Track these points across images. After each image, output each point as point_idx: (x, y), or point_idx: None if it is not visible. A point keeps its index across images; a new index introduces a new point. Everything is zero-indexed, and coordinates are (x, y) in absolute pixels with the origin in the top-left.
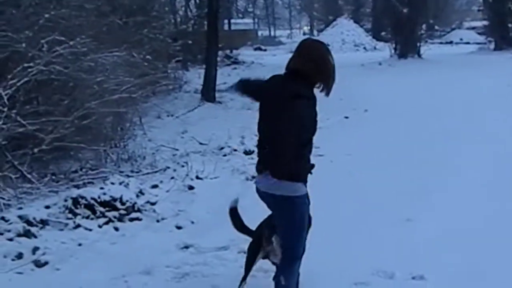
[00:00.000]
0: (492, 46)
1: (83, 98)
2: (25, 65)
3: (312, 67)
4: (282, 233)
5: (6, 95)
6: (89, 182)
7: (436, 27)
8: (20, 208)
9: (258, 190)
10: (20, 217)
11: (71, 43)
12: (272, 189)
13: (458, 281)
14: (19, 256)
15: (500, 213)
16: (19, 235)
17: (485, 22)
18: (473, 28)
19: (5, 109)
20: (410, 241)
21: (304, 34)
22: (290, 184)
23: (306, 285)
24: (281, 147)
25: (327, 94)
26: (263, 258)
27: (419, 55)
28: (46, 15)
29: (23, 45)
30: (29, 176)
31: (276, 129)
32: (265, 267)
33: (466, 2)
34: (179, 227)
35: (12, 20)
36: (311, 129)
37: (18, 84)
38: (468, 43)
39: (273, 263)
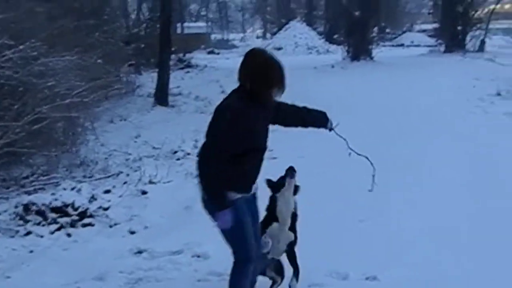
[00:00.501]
0: (442, 48)
1: (34, 103)
2: None
3: (251, 76)
4: (225, 238)
5: None
6: (40, 188)
7: (388, 30)
8: None
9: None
10: None
11: (21, 47)
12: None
13: (412, 282)
14: None
15: (471, 211)
16: None
17: (435, 25)
18: (424, 31)
19: None
20: (364, 242)
21: (258, 37)
22: None
23: None
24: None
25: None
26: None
27: (371, 58)
28: None
29: None
30: None
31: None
32: (218, 271)
33: (417, 5)
34: (132, 232)
35: None
36: (243, 141)
37: None
38: (419, 45)
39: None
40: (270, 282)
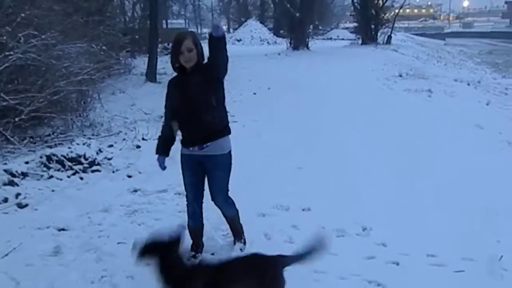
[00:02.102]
0: (360, 41)
1: (53, 79)
2: (6, 53)
3: None
4: None
5: None
6: (59, 143)
7: (320, 27)
8: (5, 164)
9: None
10: (5, 170)
11: (43, 36)
12: None
13: (335, 210)
14: (5, 200)
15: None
16: (4, 184)
17: (355, 24)
18: (347, 28)
19: None
20: (301, 182)
21: None
22: None
23: (216, 214)
24: None
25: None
26: None
27: (308, 48)
28: (23, 14)
29: (4, 38)
30: (12, 139)
31: None
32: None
33: (342, 8)
34: (129, 176)
35: None
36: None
37: (1, 68)
38: (343, 39)
39: None
40: None
